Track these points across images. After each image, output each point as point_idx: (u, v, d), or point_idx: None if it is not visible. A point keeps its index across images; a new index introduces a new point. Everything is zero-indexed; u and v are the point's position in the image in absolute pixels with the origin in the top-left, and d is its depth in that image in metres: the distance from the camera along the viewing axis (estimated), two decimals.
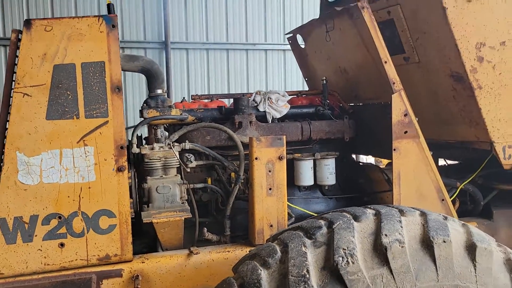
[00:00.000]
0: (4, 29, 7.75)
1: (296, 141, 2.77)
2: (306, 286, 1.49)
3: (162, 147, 2.35)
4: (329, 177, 2.77)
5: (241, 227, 2.59)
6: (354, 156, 3.46)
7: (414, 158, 2.58)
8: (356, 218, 1.69)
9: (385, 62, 2.52)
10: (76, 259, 2.12)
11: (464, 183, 2.85)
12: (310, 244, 1.63)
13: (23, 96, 1.97)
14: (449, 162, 3.40)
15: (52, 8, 7.88)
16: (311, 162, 2.75)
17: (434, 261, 1.56)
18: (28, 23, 1.98)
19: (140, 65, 2.51)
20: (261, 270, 1.62)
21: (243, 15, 8.71)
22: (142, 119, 2.49)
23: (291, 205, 2.58)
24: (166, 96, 2.60)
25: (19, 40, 1.99)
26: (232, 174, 2.63)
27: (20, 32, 2.01)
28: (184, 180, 2.42)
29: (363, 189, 2.95)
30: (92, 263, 2.14)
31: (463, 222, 1.81)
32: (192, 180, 2.55)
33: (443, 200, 2.63)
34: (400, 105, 2.54)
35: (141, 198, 2.36)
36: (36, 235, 2.06)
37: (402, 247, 1.55)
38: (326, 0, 3.42)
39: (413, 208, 1.83)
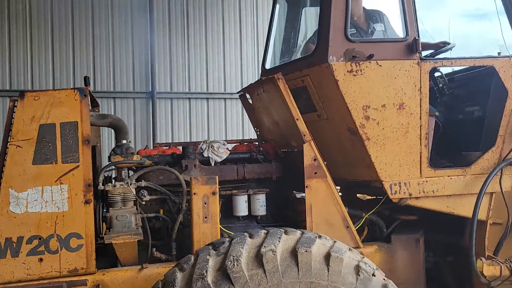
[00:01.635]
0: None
1: (233, 180, 3.49)
2: (203, 281, 2.18)
3: (122, 184, 3.06)
4: (260, 209, 3.47)
5: (186, 249, 3.25)
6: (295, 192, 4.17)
7: (323, 193, 3.28)
8: (251, 236, 2.40)
9: (297, 119, 3.28)
10: (52, 271, 2.78)
11: (367, 214, 3.53)
12: (214, 253, 2.33)
13: (16, 148, 2.72)
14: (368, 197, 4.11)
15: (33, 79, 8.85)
16: (245, 196, 3.46)
17: (297, 264, 2.25)
18: (22, 94, 2.75)
19: (109, 121, 3.28)
20: (178, 273, 2.31)
21: (222, 67, 9.69)
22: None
23: (225, 230, 3.25)
24: (130, 145, 3.34)
25: (15, 106, 2.75)
26: None
27: (16, 100, 2.77)
28: (140, 210, 3.12)
29: (290, 218, 3.63)
30: (63, 274, 2.80)
31: (334, 240, 2.50)
32: (147, 211, 3.25)
33: (347, 227, 3.31)
34: (310, 152, 3.27)
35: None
36: (21, 252, 2.73)
37: (274, 254, 2.25)
38: (263, 67, 4.24)
39: (301, 230, 2.53)
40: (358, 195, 4.22)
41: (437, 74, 4.31)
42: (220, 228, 3.12)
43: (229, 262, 2.21)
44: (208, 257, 2.30)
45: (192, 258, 2.37)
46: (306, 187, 3.21)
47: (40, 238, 2.75)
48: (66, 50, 8.98)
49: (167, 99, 9.51)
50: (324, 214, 3.25)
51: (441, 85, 4.28)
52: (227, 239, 2.41)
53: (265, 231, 2.44)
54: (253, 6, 9.89)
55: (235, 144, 3.83)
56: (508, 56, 3.49)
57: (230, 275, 2.18)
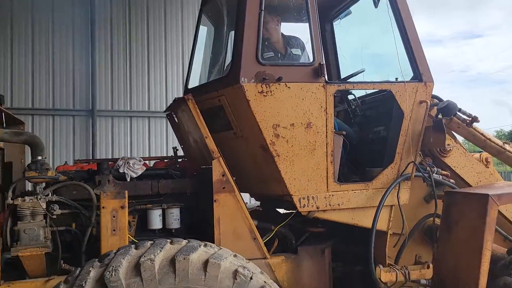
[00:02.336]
0: None
1: (148, 195, 3.63)
2: None
3: (31, 199, 3.14)
4: (173, 222, 3.62)
5: None
6: None
7: (231, 207, 3.47)
8: (137, 247, 2.54)
9: (206, 137, 3.48)
10: None
11: (277, 227, 3.75)
12: (98, 265, 2.46)
13: None
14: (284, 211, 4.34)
15: None
16: (160, 211, 3.60)
17: (174, 271, 2.41)
18: None
19: (24, 138, 3.36)
20: (62, 285, 2.42)
21: (163, 85, 9.87)
22: None
23: (135, 240, 3.36)
24: (45, 160, 3.42)
25: None
26: None
27: None
28: (51, 224, 3.20)
29: (204, 231, 3.79)
30: None
31: (220, 248, 2.68)
32: (59, 224, 3.33)
33: (255, 239, 3.51)
34: (218, 168, 3.47)
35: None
36: None
37: (151, 263, 2.40)
38: (186, 86, 4.45)
39: (188, 240, 2.69)
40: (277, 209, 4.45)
41: (351, 97, 4.67)
42: (132, 240, 3.24)
43: (108, 273, 2.35)
44: (91, 268, 2.43)
45: (77, 270, 2.49)
46: (215, 201, 3.39)
47: None
48: (4, 64, 8.85)
49: (108, 117, 9.53)
50: (231, 227, 3.43)
51: (353, 106, 4.64)
52: (114, 251, 2.55)
53: (151, 242, 2.59)
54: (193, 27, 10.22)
55: (156, 160, 3.98)
56: (403, 82, 3.85)
57: (108, 284, 2.32)
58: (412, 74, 3.94)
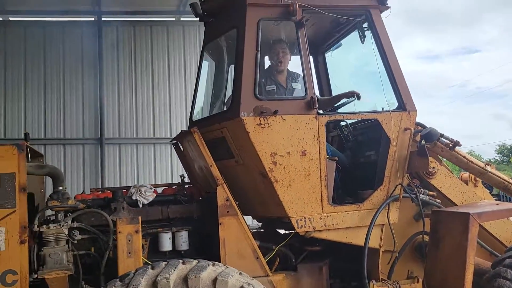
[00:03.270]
0: None
1: (159, 219, 3.97)
2: None
3: (55, 226, 3.49)
4: (182, 244, 3.95)
5: None
6: None
7: (234, 229, 3.80)
8: (153, 267, 2.88)
9: (211, 165, 3.84)
10: None
11: (277, 247, 4.08)
12: (119, 284, 2.80)
13: None
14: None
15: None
16: (169, 234, 3.94)
17: (187, 287, 2.75)
18: None
19: (47, 171, 3.74)
20: None
21: (167, 113, 10.34)
22: None
23: (148, 262, 3.69)
24: (65, 190, 3.79)
25: None
26: None
27: None
28: (72, 248, 3.54)
29: (211, 251, 4.10)
30: None
31: (226, 267, 3.02)
32: (80, 248, 3.67)
33: (257, 258, 3.83)
34: (222, 193, 3.82)
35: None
36: None
37: (167, 281, 2.74)
38: (191, 119, 4.84)
39: (199, 260, 3.03)
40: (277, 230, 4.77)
41: (343, 123, 5.05)
42: (145, 262, 3.57)
43: None
44: (114, 287, 2.77)
45: None
46: (220, 224, 3.73)
47: None
48: (18, 100, 9.37)
49: (115, 144, 9.97)
50: (236, 247, 3.76)
51: (346, 132, 5.02)
52: (133, 271, 2.89)
53: (165, 262, 2.93)
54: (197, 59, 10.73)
55: (164, 187, 4.34)
56: (388, 111, 4.21)
57: None
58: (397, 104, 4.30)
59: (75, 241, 3.61)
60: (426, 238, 4.26)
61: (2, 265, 3.17)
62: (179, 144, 4.91)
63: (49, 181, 4.27)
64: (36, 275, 3.38)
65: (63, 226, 3.49)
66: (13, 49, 9.55)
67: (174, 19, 10.92)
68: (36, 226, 3.46)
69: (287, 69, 4.62)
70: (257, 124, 3.85)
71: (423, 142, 4.31)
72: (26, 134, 3.63)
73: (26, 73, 9.48)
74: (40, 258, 3.40)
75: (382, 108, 4.32)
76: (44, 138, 9.33)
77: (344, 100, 4.68)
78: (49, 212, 3.78)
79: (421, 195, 4.25)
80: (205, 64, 5.23)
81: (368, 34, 4.45)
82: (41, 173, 3.73)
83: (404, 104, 4.22)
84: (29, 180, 3.85)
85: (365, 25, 4.44)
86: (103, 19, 10.12)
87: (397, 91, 4.24)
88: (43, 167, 3.74)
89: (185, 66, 10.66)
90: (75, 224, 3.59)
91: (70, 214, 3.72)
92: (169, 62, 10.53)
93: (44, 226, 3.48)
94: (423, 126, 4.48)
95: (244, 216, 3.95)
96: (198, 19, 4.62)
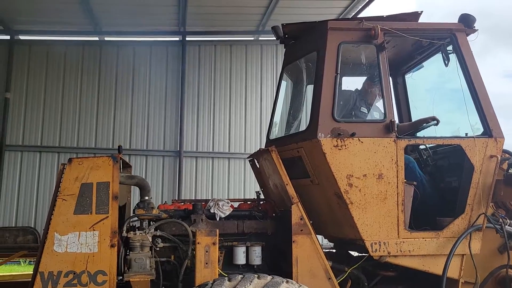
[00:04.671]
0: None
1: (234, 233, 4.12)
2: None
3: (141, 233, 3.76)
4: (256, 259, 4.06)
5: None
6: None
7: (307, 248, 3.84)
8: (229, 279, 3.01)
9: (286, 184, 3.93)
10: None
11: (350, 269, 4.05)
12: None
13: (62, 201, 3.49)
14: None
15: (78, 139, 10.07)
16: (244, 248, 4.06)
17: None
18: (70, 160, 3.56)
19: (136, 181, 4.05)
20: None
21: (242, 129, 10.70)
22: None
23: (223, 273, 3.83)
24: (151, 200, 4.07)
25: (64, 169, 3.56)
26: None
27: (65, 164, 3.58)
28: (155, 255, 3.79)
29: (283, 269, 4.16)
30: None
31: (300, 285, 3.07)
32: (161, 255, 3.91)
33: (329, 278, 3.83)
34: (297, 212, 3.88)
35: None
36: (59, 283, 3.42)
37: None
38: (267, 137, 4.97)
39: (273, 276, 3.11)
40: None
41: (422, 146, 4.92)
42: (220, 273, 3.73)
43: None
44: None
45: None
46: (293, 242, 3.80)
47: (74, 273, 3.44)
48: (108, 114, 10.24)
49: (193, 157, 10.48)
50: (308, 266, 3.79)
51: (425, 156, 4.88)
52: (210, 282, 3.03)
53: (241, 276, 3.04)
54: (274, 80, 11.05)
55: (240, 202, 4.50)
56: (473, 137, 4.05)
57: None
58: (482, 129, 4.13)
59: (158, 248, 3.85)
60: (511, 272, 4.01)
61: (94, 266, 3.47)
62: (255, 161, 5.08)
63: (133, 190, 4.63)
64: (121, 277, 3.66)
65: (147, 233, 3.74)
66: (106, 67, 10.46)
67: (252, 38, 11.32)
68: (124, 232, 3.75)
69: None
70: (334, 146, 3.88)
71: (510, 170, 4.09)
72: (119, 147, 3.98)
73: (117, 89, 10.34)
74: (127, 262, 3.67)
75: (466, 134, 4.17)
76: (129, 149, 10.05)
77: (423, 125, 4.58)
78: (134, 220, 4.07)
79: (506, 226, 4.01)
80: (283, 84, 5.38)
81: (452, 56, 4.34)
82: (130, 183, 4.05)
83: (490, 130, 4.04)
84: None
85: (449, 47, 4.33)
86: (187, 38, 10.75)
87: (483, 117, 4.07)
88: (132, 178, 4.05)
89: (261, 84, 10.98)
90: (158, 233, 3.85)
91: (153, 222, 3.98)
92: (246, 81, 10.93)
93: (132, 232, 3.76)
94: (511, 154, 4.25)
95: (316, 235, 3.98)
96: (278, 40, 4.78)
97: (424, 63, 5.24)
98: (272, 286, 2.92)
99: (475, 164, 4.01)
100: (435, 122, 4.45)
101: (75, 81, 10.29)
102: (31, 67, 10.25)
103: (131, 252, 3.71)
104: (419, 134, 4.54)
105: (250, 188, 10.23)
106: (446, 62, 4.36)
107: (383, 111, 4.11)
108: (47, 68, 10.29)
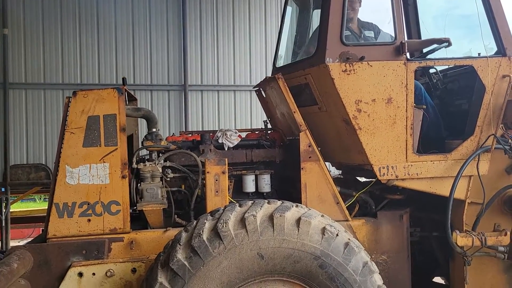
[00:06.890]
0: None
1: (243, 162, 4.16)
2: (199, 237, 2.88)
3: (151, 164, 3.79)
4: (265, 186, 4.13)
5: None
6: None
7: (316, 174, 3.88)
8: (240, 205, 3.06)
9: (294, 112, 3.89)
10: (97, 229, 3.55)
11: (358, 193, 4.11)
12: (210, 218, 3.02)
13: (70, 134, 3.49)
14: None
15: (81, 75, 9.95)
16: (253, 176, 4.12)
17: (273, 226, 2.90)
18: (74, 93, 3.51)
19: (142, 113, 4.02)
20: (183, 233, 3.03)
21: (248, 61, 10.48)
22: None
23: (233, 200, 3.91)
24: (158, 132, 4.07)
25: (70, 102, 3.52)
26: None
27: (70, 98, 3.54)
28: (165, 185, 3.85)
29: (292, 195, 4.24)
30: (105, 232, 3.56)
31: (309, 208, 3.13)
32: (172, 185, 3.97)
33: (337, 203, 3.90)
34: (305, 139, 3.88)
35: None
36: (75, 214, 3.51)
37: (254, 218, 2.90)
38: (274, 65, 4.86)
39: (282, 201, 3.16)
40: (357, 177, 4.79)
41: (432, 70, 4.80)
42: (230, 200, 3.80)
43: (220, 224, 2.90)
44: (205, 221, 3.00)
45: (195, 222, 3.08)
46: (302, 169, 3.83)
47: (88, 204, 3.52)
48: (109, 49, 10.00)
49: (198, 91, 10.37)
50: (317, 192, 3.86)
51: (435, 80, 4.77)
52: (222, 208, 3.09)
53: (252, 201, 3.10)
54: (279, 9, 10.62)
55: (248, 132, 4.50)
56: (486, 57, 3.93)
57: (220, 233, 2.87)
58: (495, 49, 3.99)
59: (168, 179, 3.91)
60: None
61: (107, 196, 3.55)
62: (262, 91, 5.01)
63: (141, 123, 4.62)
64: (135, 207, 3.75)
65: (157, 164, 3.78)
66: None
67: None
68: (134, 163, 3.78)
69: (358, 17, 4.43)
70: (342, 71, 3.79)
71: None
72: (124, 79, 3.90)
73: (116, 23, 10.02)
74: (139, 192, 3.74)
75: (479, 54, 4.04)
76: (133, 84, 9.92)
77: (434, 45, 4.43)
78: (143, 152, 4.09)
79: None
80: (288, 10, 5.17)
81: None
82: (137, 115, 4.02)
83: (504, 48, 3.91)
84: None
85: None
86: None
87: (498, 34, 3.92)
88: (139, 110, 4.02)
89: (265, 12, 10.58)
90: (168, 163, 3.88)
91: (162, 154, 4.01)
92: (249, 8, 10.51)
93: (141, 163, 3.79)
94: None
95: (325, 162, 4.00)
96: None
97: None
98: (282, 210, 2.97)
99: (487, 84, 3.92)
100: (447, 44, 4.31)
101: (73, 15, 9.94)
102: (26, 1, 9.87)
103: (142, 182, 3.76)
104: (429, 57, 4.40)
105: (257, 121, 10.21)
106: None
107: (393, 34, 3.98)
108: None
